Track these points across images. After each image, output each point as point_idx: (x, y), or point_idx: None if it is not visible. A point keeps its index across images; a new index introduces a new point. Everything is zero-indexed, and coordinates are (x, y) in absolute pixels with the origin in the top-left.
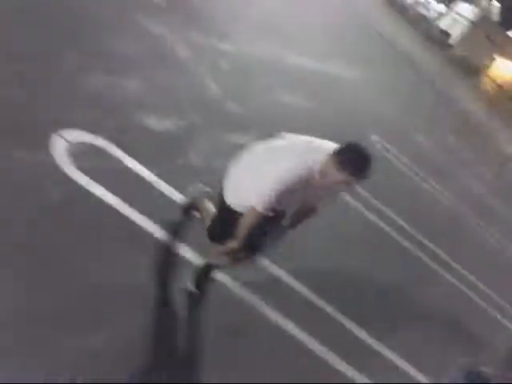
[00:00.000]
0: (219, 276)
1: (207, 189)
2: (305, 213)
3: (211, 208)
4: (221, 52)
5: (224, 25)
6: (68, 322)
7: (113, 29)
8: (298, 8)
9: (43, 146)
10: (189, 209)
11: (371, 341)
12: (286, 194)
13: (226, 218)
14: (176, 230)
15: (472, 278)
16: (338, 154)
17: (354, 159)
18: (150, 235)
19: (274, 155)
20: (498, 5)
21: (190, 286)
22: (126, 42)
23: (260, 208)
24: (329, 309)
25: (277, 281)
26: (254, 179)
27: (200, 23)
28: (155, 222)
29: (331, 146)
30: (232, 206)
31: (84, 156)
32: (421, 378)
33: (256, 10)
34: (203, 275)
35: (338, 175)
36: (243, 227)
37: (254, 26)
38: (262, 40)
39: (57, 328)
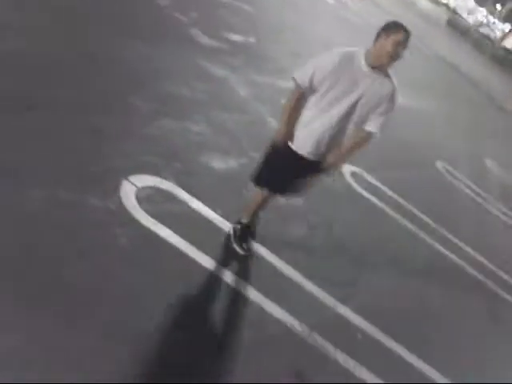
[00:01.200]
0: (285, 317)
1: None
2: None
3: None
4: (281, 89)
5: (282, 62)
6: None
7: (176, 74)
8: (356, 37)
9: (113, 191)
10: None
11: None
12: (323, 72)
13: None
14: (240, 271)
15: None
16: (379, 33)
17: (390, 25)
18: (218, 278)
19: None
20: None
21: None
22: (189, 86)
23: (296, 74)
24: (401, 350)
25: (344, 321)
26: None
27: (259, 62)
28: (222, 265)
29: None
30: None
31: (152, 200)
32: None
33: (317, 47)
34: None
35: (388, 41)
36: (285, 103)
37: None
38: None
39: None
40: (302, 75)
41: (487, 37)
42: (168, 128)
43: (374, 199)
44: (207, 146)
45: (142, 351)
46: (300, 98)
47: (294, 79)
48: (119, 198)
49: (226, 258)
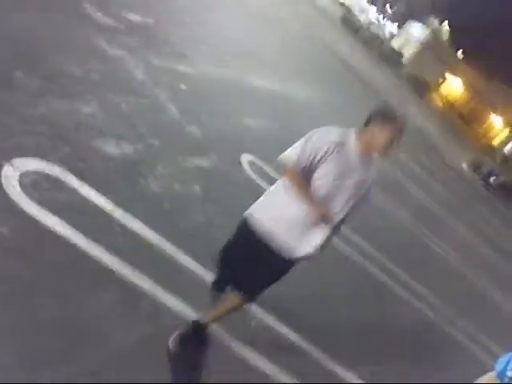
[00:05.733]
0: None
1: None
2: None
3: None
4: (180, 74)
5: (183, 47)
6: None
7: (70, 51)
8: (256, 31)
9: None
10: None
11: None
12: (311, 156)
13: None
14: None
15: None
16: (373, 119)
17: (386, 113)
18: (107, 269)
19: None
20: (447, 26)
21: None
22: (81, 64)
23: (283, 156)
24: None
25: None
26: None
27: (159, 46)
28: (112, 254)
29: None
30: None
31: (38, 186)
32: None
33: (216, 33)
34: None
35: (382, 132)
36: (294, 186)
37: (213, 49)
38: (221, 62)
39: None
40: (292, 157)
41: (377, 35)
42: (56, 108)
43: None
44: (100, 130)
45: (21, 347)
46: (300, 175)
47: (292, 162)
48: (0, 184)
49: (118, 247)
